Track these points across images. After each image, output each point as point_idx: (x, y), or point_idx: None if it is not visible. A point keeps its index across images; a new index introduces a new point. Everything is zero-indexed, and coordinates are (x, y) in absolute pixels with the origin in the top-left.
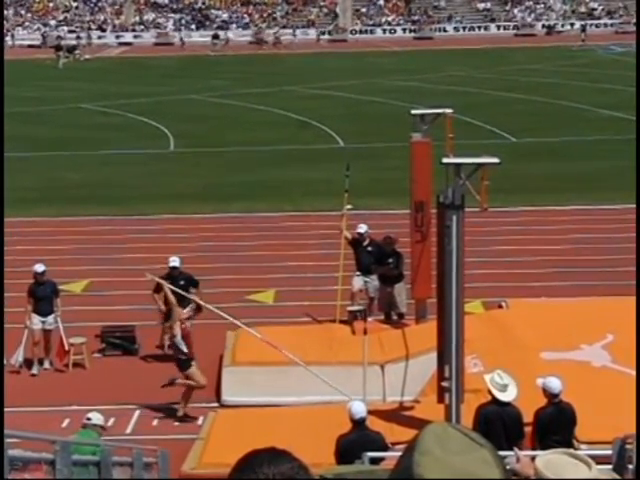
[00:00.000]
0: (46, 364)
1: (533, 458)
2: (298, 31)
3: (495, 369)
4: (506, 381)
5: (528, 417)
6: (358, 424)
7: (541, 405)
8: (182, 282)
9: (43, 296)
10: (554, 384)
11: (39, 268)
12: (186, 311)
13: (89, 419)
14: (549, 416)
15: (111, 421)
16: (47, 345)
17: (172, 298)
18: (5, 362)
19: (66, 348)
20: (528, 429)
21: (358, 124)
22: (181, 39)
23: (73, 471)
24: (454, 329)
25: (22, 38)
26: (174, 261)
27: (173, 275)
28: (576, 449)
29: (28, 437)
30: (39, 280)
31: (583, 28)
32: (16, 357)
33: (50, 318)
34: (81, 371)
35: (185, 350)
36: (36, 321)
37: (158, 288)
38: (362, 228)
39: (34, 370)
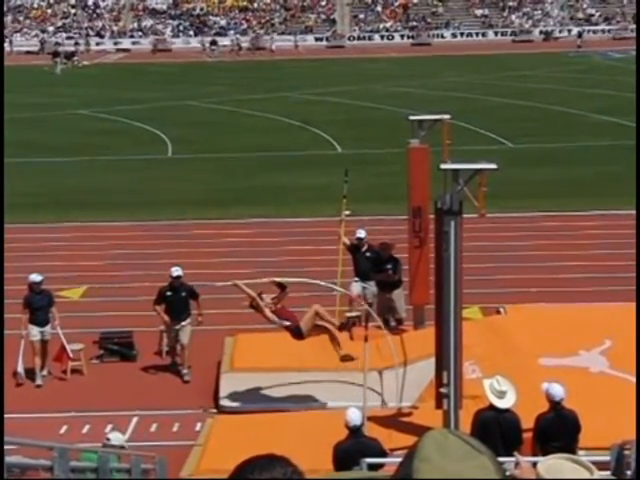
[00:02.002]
0: (44, 371)
1: (534, 464)
2: (296, 37)
3: (493, 375)
4: (504, 388)
5: (526, 423)
6: (354, 432)
7: (540, 411)
8: (183, 293)
9: (40, 306)
10: (555, 391)
11: (36, 278)
12: (269, 300)
13: (108, 439)
14: (549, 422)
15: (109, 428)
16: (45, 354)
17: (251, 292)
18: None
19: (70, 355)
20: (527, 435)
21: (356, 130)
22: (155, 45)
23: (71, 477)
24: (452, 335)
25: (20, 44)
26: (177, 271)
27: (175, 285)
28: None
29: (26, 444)
30: (36, 290)
31: (579, 34)
32: (18, 369)
33: (47, 328)
34: (79, 377)
35: (288, 324)
36: (35, 332)
37: (159, 299)
38: (361, 233)
39: (38, 381)
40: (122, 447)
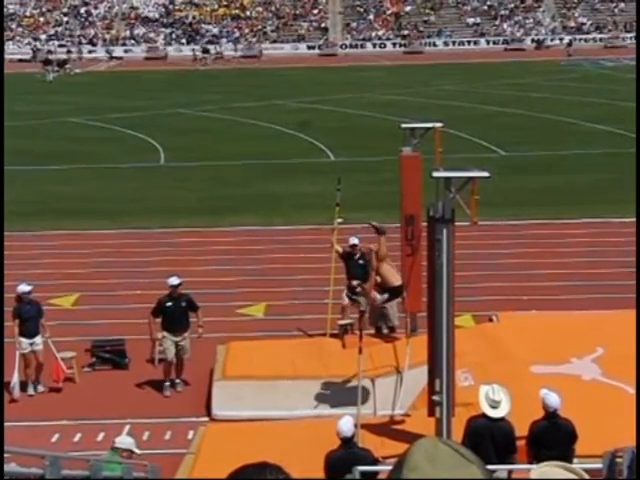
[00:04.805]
0: (40, 387)
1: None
2: (289, 45)
3: (485, 383)
4: (498, 397)
5: (518, 430)
6: (345, 442)
7: (532, 418)
8: (183, 303)
9: (29, 317)
10: (550, 400)
11: (25, 288)
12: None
13: (114, 442)
14: (542, 430)
15: (101, 436)
16: (38, 367)
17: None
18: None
19: (65, 369)
20: (521, 443)
21: (348, 138)
22: (110, 55)
23: None
24: (445, 343)
25: (12, 52)
26: (175, 280)
27: (174, 295)
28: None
29: (17, 452)
30: (25, 300)
31: (570, 42)
32: (13, 385)
33: (37, 339)
34: (71, 386)
35: (387, 296)
36: (25, 345)
37: (157, 310)
38: (354, 240)
39: (30, 391)
40: (124, 450)
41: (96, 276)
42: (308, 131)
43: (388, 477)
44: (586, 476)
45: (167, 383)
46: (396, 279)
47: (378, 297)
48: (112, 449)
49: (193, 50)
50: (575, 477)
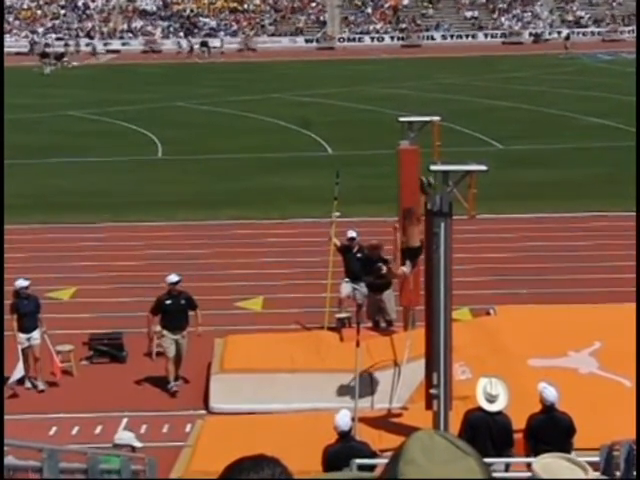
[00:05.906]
0: (40, 385)
1: (528, 464)
2: (286, 38)
3: (483, 376)
4: (496, 391)
5: (515, 423)
6: (343, 436)
7: (529, 412)
8: (183, 301)
9: (27, 312)
10: (548, 394)
11: (23, 283)
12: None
13: (114, 439)
14: (540, 423)
15: (99, 429)
16: (36, 361)
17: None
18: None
19: (58, 364)
20: (518, 436)
21: (346, 131)
22: (93, 49)
23: (61, 478)
24: (442, 336)
25: (10, 45)
26: (174, 277)
27: (173, 293)
28: None
29: (15, 445)
30: (23, 295)
31: (567, 36)
32: (13, 380)
33: (35, 333)
34: (69, 378)
35: (411, 264)
36: (22, 340)
37: (156, 309)
38: (353, 233)
39: (27, 384)
40: (131, 447)
41: (93, 269)
42: (311, 128)
43: (385, 470)
44: (588, 467)
45: (171, 384)
46: (416, 241)
47: (406, 270)
48: (113, 446)
49: (178, 43)
50: (578, 469)
